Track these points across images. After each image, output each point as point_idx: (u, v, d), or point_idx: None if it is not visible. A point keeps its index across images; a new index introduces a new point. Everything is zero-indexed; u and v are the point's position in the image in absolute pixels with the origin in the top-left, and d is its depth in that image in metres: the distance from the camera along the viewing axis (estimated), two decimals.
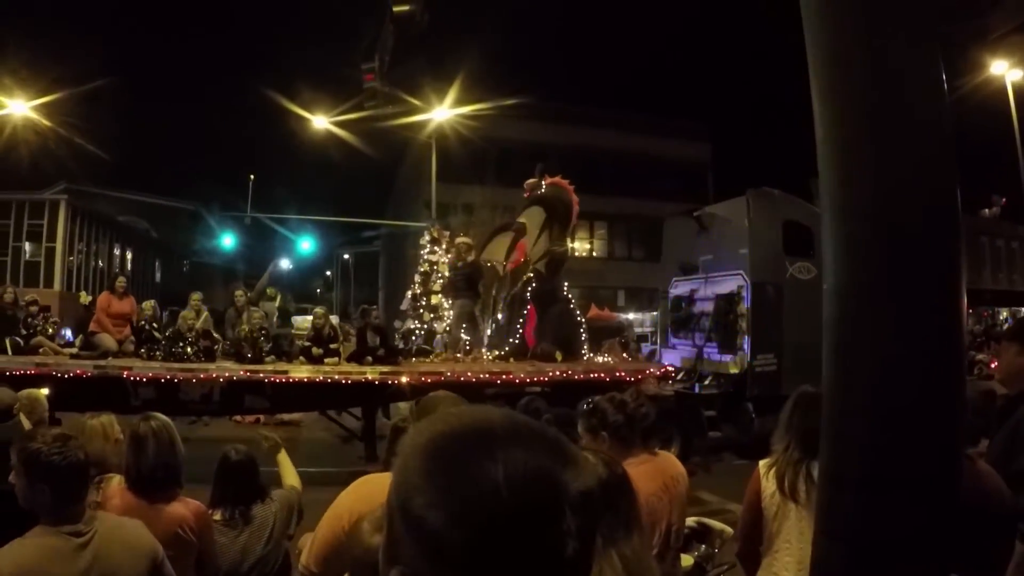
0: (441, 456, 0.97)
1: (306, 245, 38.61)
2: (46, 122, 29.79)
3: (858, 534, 2.27)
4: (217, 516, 4.34)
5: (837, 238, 2.41)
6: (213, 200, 46.11)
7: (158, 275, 59.72)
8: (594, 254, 43.83)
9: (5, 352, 12.41)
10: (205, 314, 13.53)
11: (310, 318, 15.43)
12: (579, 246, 41.43)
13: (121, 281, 13.60)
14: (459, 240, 16.50)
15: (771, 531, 4.03)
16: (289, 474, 5.19)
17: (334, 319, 14.76)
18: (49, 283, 42.72)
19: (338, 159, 34.21)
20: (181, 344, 12.26)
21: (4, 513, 3.23)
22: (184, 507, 3.91)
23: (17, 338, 12.75)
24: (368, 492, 3.09)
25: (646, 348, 23.90)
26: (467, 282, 15.27)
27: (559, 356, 13.33)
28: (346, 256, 52.04)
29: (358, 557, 2.04)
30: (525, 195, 15.66)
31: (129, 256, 58.46)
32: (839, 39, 2.42)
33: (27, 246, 46.65)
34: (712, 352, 15.32)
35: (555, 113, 41.52)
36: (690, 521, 4.60)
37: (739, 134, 70.72)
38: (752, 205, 14.91)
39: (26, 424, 4.86)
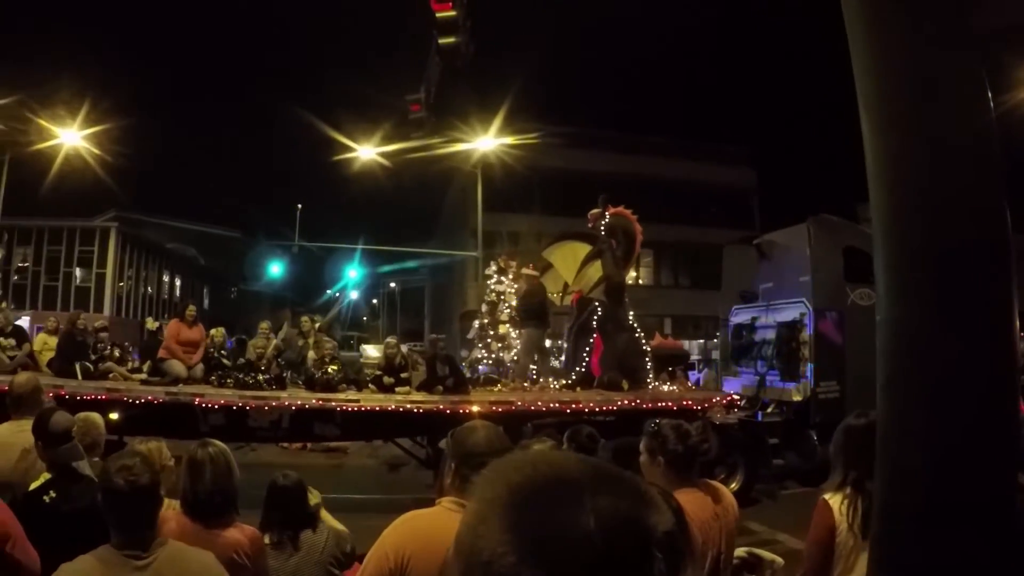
0: (526, 509, 0.94)
1: (353, 274, 38.89)
2: (97, 151, 30.33)
3: (914, 566, 2.24)
4: (266, 540, 4.36)
5: (888, 269, 2.40)
6: (261, 229, 46.68)
7: (206, 302, 60.43)
8: (640, 282, 43.63)
9: (75, 377, 12.52)
10: (275, 342, 13.61)
11: (380, 347, 15.44)
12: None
13: (192, 310, 13.66)
14: (524, 271, 16.52)
15: (844, 567, 3.87)
16: (334, 525, 5.21)
17: (404, 348, 14.78)
18: (99, 308, 43.38)
19: (384, 189, 34.50)
20: (253, 372, 12.34)
21: (71, 534, 3.30)
22: (239, 532, 3.94)
23: (87, 363, 12.87)
24: (415, 528, 3.07)
25: (693, 376, 23.72)
26: (534, 311, 15.25)
27: (625, 385, 13.29)
28: (392, 284, 52.39)
29: None
30: (589, 225, 15.66)
31: (178, 283, 59.43)
32: (886, 68, 2.42)
33: (78, 271, 47.72)
34: (774, 380, 15.19)
35: (599, 141, 41.58)
36: (741, 551, 4.52)
37: (784, 159, 70.34)
38: (813, 232, 14.86)
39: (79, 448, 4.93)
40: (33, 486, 4.35)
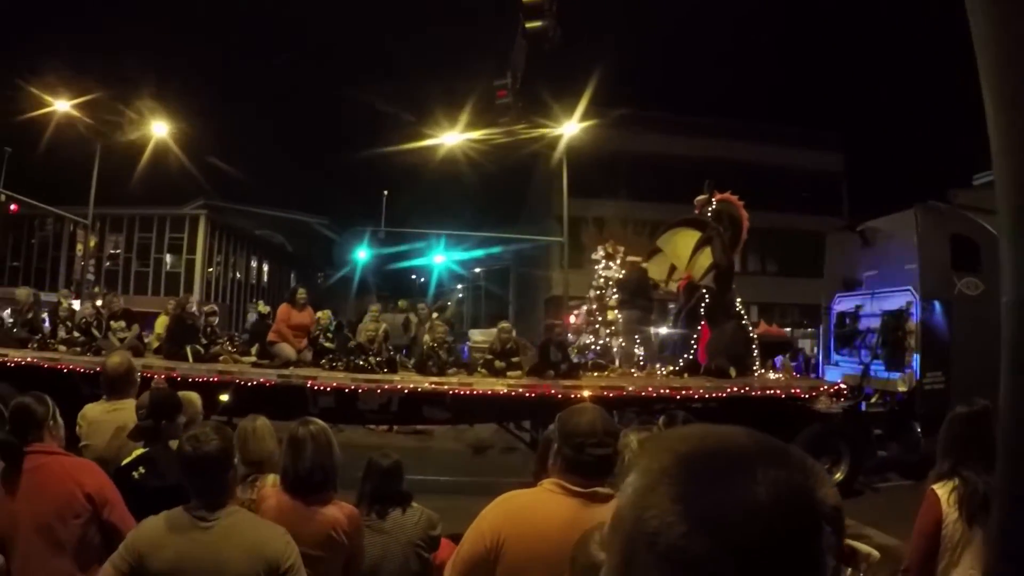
0: (696, 479, 0.92)
1: (439, 259, 39.18)
2: (186, 141, 31.17)
3: None
4: None
5: (1015, 249, 2.30)
6: (347, 215, 47.16)
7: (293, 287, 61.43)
8: None
9: (185, 360, 12.82)
10: (384, 325, 13.75)
11: (487, 331, 15.47)
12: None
13: (302, 293, 13.87)
14: (630, 258, 16.53)
15: (950, 560, 3.83)
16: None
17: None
18: (188, 293, 44.43)
19: (469, 175, 34.63)
20: (364, 355, 12.50)
21: (158, 509, 3.40)
22: (338, 510, 3.99)
23: (198, 346, 13.17)
24: (512, 509, 3.10)
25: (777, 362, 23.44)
26: (633, 295, 15.22)
27: (733, 372, 13.19)
28: (477, 270, 52.53)
29: (581, 569, 2.06)
30: (696, 212, 15.53)
31: (265, 268, 60.70)
32: (1010, 39, 2.31)
33: (168, 258, 49.16)
34: (878, 369, 14.93)
35: (685, 125, 41.11)
36: None
37: (874, 144, 68.61)
38: (920, 219, 14.57)
39: None
40: (124, 462, 4.51)
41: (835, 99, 74.98)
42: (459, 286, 52.80)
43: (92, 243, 34.13)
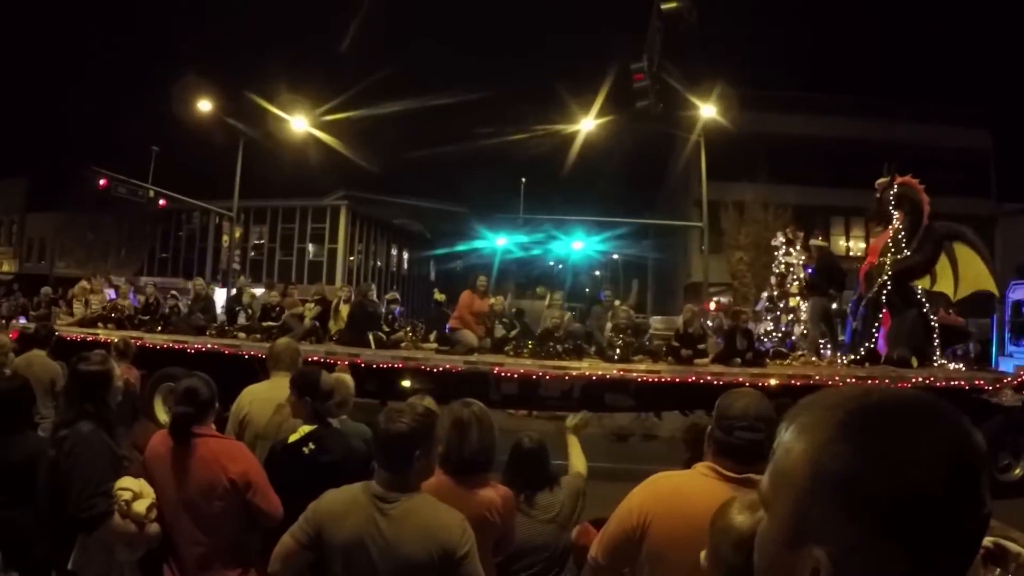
0: (879, 431, 1.00)
1: (577, 245, 39.28)
2: (327, 136, 32.20)
3: None
4: None
5: None
6: (485, 203, 47.61)
7: (432, 274, 62.69)
8: (852, 254, 41.48)
9: (368, 347, 13.29)
10: (569, 314, 13.96)
11: (669, 318, 15.50)
12: (842, 244, 39.67)
13: (482, 281, 14.17)
14: (813, 242, 16.31)
15: None
16: (577, 458, 5.37)
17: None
18: (331, 281, 45.92)
19: (606, 160, 34.61)
20: (553, 343, 12.77)
21: (327, 482, 3.65)
22: (494, 491, 4.05)
23: (380, 333, 13.65)
24: (660, 490, 3.14)
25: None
26: (822, 281, 15.01)
27: (915, 362, 12.95)
28: (615, 256, 52.41)
29: (719, 531, 2.15)
30: (876, 195, 15.25)
31: (405, 256, 61.94)
32: None
33: (311, 247, 51.07)
34: None
35: (822, 104, 40.00)
36: (986, 541, 4.38)
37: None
38: None
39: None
40: (292, 438, 4.77)
41: (981, 74, 71.75)
42: (597, 273, 52.88)
43: (237, 234, 35.59)
